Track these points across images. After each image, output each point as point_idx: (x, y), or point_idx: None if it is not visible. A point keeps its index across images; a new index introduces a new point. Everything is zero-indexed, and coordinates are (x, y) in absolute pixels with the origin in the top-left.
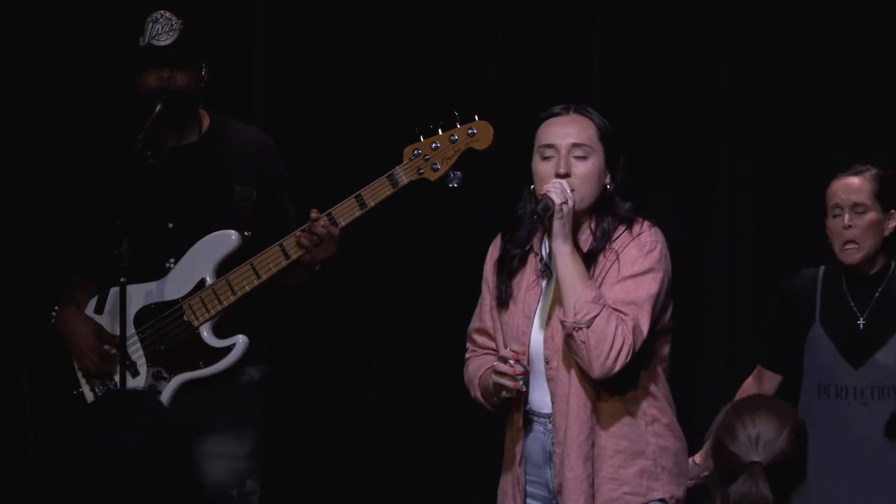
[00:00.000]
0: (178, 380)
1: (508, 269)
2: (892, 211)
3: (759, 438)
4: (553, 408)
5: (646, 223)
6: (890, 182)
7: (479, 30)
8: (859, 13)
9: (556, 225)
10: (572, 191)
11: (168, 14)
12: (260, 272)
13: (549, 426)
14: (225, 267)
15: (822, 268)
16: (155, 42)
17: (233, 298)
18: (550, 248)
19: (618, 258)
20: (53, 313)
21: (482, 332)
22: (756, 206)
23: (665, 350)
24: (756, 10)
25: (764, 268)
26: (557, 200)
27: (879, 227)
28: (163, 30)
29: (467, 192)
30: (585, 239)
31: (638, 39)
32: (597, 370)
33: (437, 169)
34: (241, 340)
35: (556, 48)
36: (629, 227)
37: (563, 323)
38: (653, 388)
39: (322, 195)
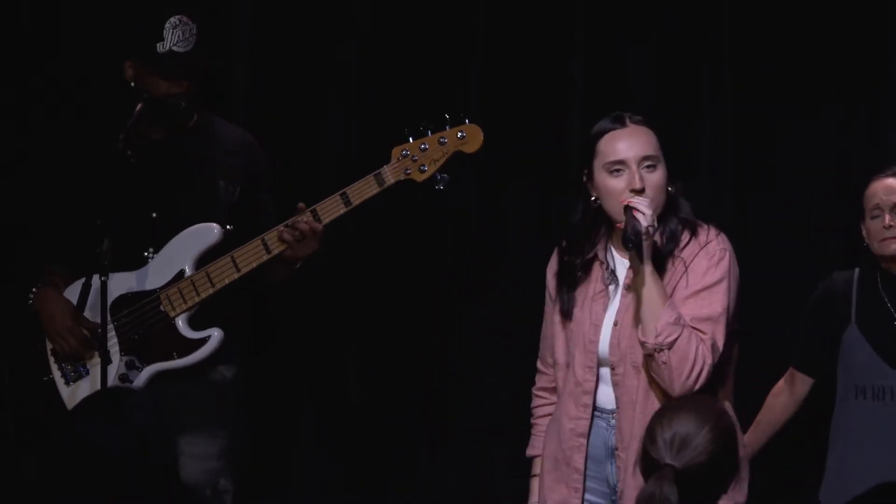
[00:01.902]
0: (150, 369)
1: (570, 281)
2: None
3: (675, 439)
4: (618, 412)
5: (712, 230)
6: None
7: (464, 28)
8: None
9: (646, 246)
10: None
11: (186, 19)
12: (240, 265)
13: (613, 422)
14: (205, 260)
15: (857, 269)
16: (177, 49)
17: (211, 291)
18: (623, 259)
19: (686, 269)
20: (31, 295)
21: (550, 364)
22: (735, 209)
23: (734, 351)
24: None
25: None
26: (645, 223)
27: None
28: (183, 36)
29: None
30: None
31: (614, 40)
32: (677, 389)
33: (425, 170)
34: (216, 334)
35: (538, 48)
36: (695, 233)
37: (643, 344)
38: (721, 392)
39: (306, 192)
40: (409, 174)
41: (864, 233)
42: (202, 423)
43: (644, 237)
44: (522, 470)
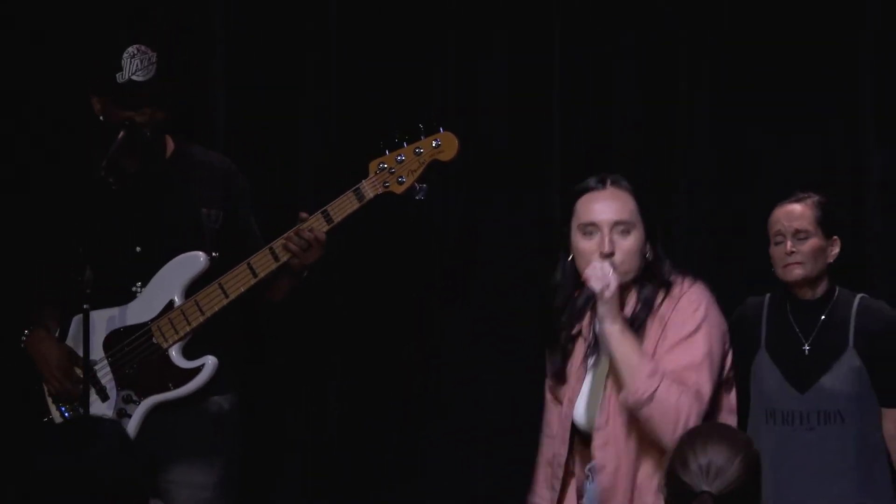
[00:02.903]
0: (147, 402)
1: (563, 351)
2: (835, 237)
3: (710, 467)
4: (602, 474)
5: (686, 282)
6: (832, 208)
7: (434, 36)
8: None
9: (602, 309)
10: (615, 269)
11: (144, 48)
12: (228, 291)
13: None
14: (194, 289)
15: (768, 295)
16: (136, 78)
17: (202, 319)
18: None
19: (665, 326)
20: (24, 337)
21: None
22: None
23: (730, 400)
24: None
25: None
26: (597, 287)
27: (822, 254)
28: (142, 65)
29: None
30: (630, 310)
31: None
32: (668, 442)
33: (403, 182)
34: (210, 361)
35: (514, 49)
36: (669, 291)
37: (625, 401)
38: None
39: (284, 212)
40: (387, 187)
41: (771, 257)
42: (199, 453)
43: (600, 300)
44: (505, 473)
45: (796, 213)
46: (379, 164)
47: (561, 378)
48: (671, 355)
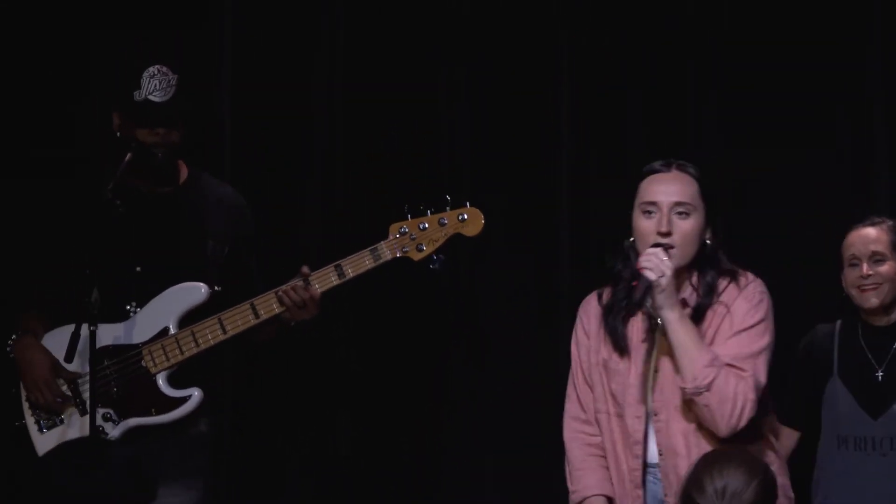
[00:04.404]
0: (128, 423)
1: (614, 325)
2: None
3: (726, 491)
4: (662, 461)
5: (749, 275)
6: None
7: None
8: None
9: (659, 299)
10: (668, 254)
11: (165, 69)
12: (227, 328)
13: (658, 475)
14: (189, 319)
15: (839, 322)
16: (153, 98)
17: (195, 350)
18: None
19: (728, 312)
20: (10, 342)
21: (584, 421)
22: None
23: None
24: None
25: None
26: (652, 278)
27: None
28: (160, 85)
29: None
30: (689, 294)
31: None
32: (723, 430)
33: (423, 250)
34: (196, 394)
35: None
36: (734, 279)
37: (683, 389)
38: (770, 434)
39: (289, 258)
40: (406, 252)
41: (843, 282)
42: (179, 475)
43: (657, 290)
44: None
45: (872, 236)
46: (400, 228)
47: (624, 350)
48: (733, 342)
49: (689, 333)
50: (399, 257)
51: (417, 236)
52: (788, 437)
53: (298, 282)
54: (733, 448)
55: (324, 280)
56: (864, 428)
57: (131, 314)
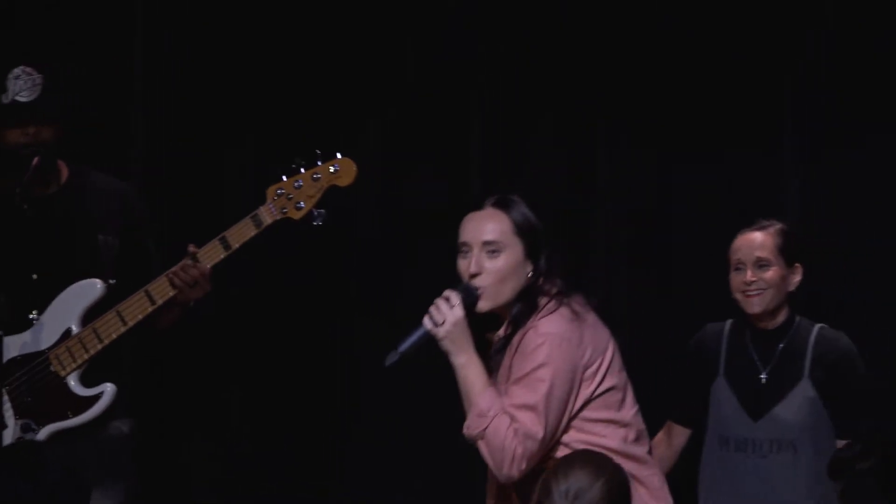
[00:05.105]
0: (46, 430)
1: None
2: (797, 265)
3: (570, 492)
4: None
5: (545, 308)
6: (793, 237)
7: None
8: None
9: (442, 345)
10: (479, 291)
11: (29, 70)
12: (126, 319)
13: None
14: (91, 316)
15: (729, 321)
16: (19, 98)
17: (99, 347)
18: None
19: (514, 353)
20: None
21: None
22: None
23: (610, 413)
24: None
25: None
26: (428, 327)
27: (783, 282)
28: (25, 86)
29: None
30: (504, 331)
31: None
32: (500, 477)
33: (301, 207)
34: (108, 389)
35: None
36: (532, 316)
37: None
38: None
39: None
40: (285, 213)
41: (730, 286)
42: (101, 478)
43: (440, 338)
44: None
45: (757, 241)
46: (276, 190)
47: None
48: (514, 390)
49: (470, 379)
50: (280, 219)
51: (294, 195)
52: (679, 436)
53: (187, 261)
54: (580, 451)
55: (211, 254)
56: (746, 429)
57: (34, 322)
